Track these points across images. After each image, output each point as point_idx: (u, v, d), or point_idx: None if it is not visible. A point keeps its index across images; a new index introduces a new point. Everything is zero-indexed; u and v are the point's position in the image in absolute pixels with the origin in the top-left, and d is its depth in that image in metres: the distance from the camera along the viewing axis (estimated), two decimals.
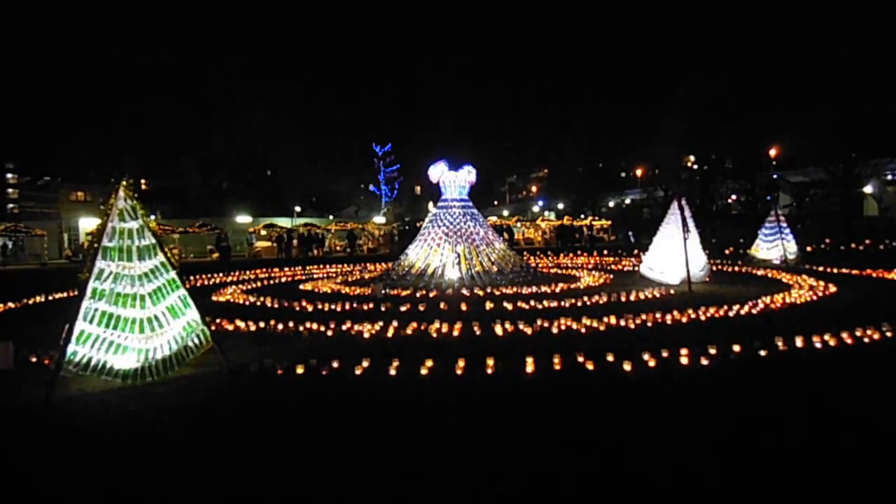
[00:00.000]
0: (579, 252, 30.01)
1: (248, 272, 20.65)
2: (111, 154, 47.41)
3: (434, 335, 7.81)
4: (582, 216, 50.95)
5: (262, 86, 55.20)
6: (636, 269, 14.93)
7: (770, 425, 4.30)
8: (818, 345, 6.47)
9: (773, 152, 44.73)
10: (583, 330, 7.91)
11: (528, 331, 7.84)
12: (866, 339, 6.70)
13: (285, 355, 6.55)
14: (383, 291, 13.04)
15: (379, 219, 50.03)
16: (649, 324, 8.18)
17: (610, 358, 5.99)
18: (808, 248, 22.21)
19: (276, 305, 11.24)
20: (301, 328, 8.38)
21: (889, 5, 37.32)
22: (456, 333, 7.83)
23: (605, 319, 8.18)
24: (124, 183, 6.02)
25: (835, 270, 15.21)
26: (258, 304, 11.70)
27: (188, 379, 5.92)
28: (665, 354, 6.01)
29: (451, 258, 14.52)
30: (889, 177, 50.09)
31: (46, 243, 36.08)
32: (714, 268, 15.92)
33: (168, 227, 35.94)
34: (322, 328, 8.33)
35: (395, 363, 5.94)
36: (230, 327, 8.67)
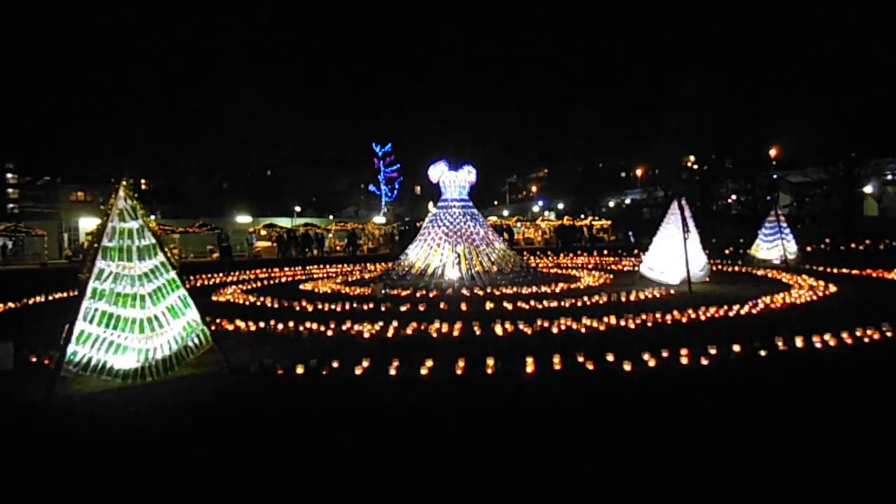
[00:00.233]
0: (579, 252, 30.01)
1: (248, 272, 20.66)
2: (111, 154, 47.40)
3: (434, 335, 7.81)
4: (582, 216, 50.94)
5: (263, 86, 55.26)
6: (636, 269, 14.93)
7: (770, 425, 4.30)
8: (818, 345, 6.47)
9: (773, 152, 44.73)
10: (583, 330, 7.91)
11: (528, 331, 7.84)
12: (866, 339, 6.70)
13: (285, 355, 6.55)
14: (383, 291, 13.04)
15: (379, 219, 50.05)
16: (649, 324, 8.18)
17: (610, 358, 5.98)
18: (808, 248, 22.21)
19: (276, 305, 11.24)
20: (301, 328, 8.38)
21: (889, 5, 37.29)
22: (456, 333, 7.83)
23: (605, 319, 8.18)
24: (124, 183, 6.03)
25: (835, 270, 15.21)
26: (258, 304, 11.70)
27: (188, 379, 5.92)
28: (665, 354, 6.01)
29: (451, 258, 14.52)
30: (889, 177, 50.09)
31: (46, 243, 36.07)
32: (714, 268, 15.93)
33: (168, 227, 35.96)
34: (322, 328, 8.33)
35: (395, 363, 5.94)
36: (230, 327, 8.67)
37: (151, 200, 50.89)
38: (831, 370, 5.78)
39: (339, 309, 10.60)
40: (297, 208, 52.68)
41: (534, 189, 79.41)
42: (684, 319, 8.44)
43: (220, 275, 18.97)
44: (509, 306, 10.26)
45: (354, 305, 10.93)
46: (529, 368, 5.79)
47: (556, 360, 5.87)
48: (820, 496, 3.24)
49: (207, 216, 42.43)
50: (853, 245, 24.51)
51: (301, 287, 15.28)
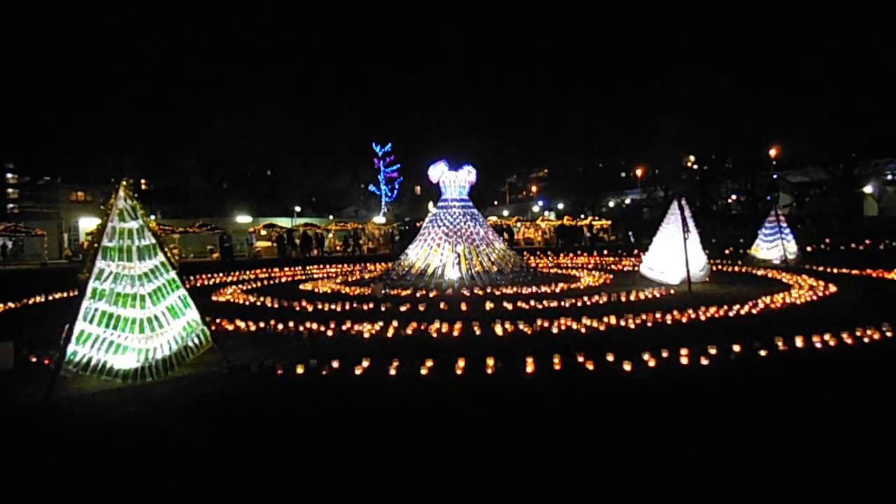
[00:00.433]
0: (580, 252, 30.02)
1: (248, 272, 20.66)
2: (111, 154, 47.39)
3: (434, 335, 7.81)
4: (582, 216, 50.95)
5: (263, 86, 55.22)
6: (636, 269, 14.93)
7: (770, 425, 4.30)
8: (818, 345, 6.47)
9: (773, 152, 44.72)
10: (583, 330, 7.92)
11: (528, 331, 7.84)
12: (866, 339, 6.70)
13: (285, 355, 6.55)
14: (383, 291, 13.04)
15: (379, 219, 50.05)
16: (649, 324, 8.18)
17: (610, 358, 5.99)
18: (808, 248, 22.22)
19: (276, 305, 11.24)
20: (301, 328, 8.38)
21: (889, 5, 37.32)
22: (456, 333, 7.83)
23: (605, 319, 8.18)
24: (124, 183, 6.03)
25: (835, 270, 15.21)
26: (258, 304, 11.70)
27: (188, 379, 5.92)
28: (665, 354, 6.01)
29: (451, 258, 14.52)
30: (889, 177, 50.09)
31: (46, 243, 36.06)
32: (714, 268, 15.93)
33: (168, 227, 35.96)
34: (322, 328, 8.33)
35: (395, 363, 5.94)
36: (230, 327, 8.67)
37: (151, 200, 50.90)
38: (831, 370, 5.78)
39: (339, 309, 10.60)
40: (297, 208, 52.67)
41: (534, 189, 79.42)
42: (684, 319, 8.44)
43: (220, 275, 18.97)
44: (509, 306, 10.26)
45: (354, 305, 10.93)
46: (529, 368, 5.79)
47: (556, 360, 5.87)
48: (820, 496, 3.24)
49: (207, 216, 42.43)
50: (853, 245, 24.51)
51: (301, 287, 15.28)
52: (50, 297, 13.35)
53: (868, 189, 45.52)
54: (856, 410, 4.58)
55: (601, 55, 78.03)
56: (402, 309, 10.24)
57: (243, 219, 42.68)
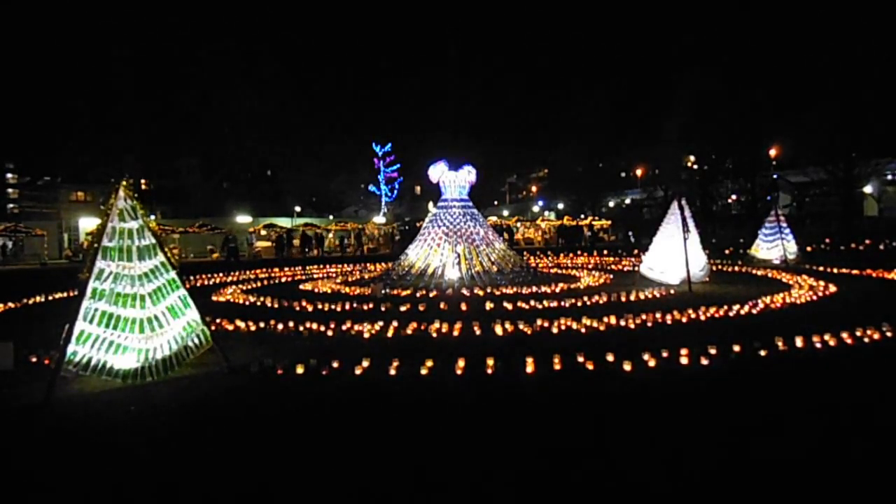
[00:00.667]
0: (580, 252, 30.03)
1: (248, 272, 20.66)
2: (111, 154, 47.37)
3: (434, 335, 7.81)
4: (582, 216, 50.96)
5: (263, 86, 55.18)
6: (636, 269, 14.93)
7: (770, 426, 4.30)
8: (818, 345, 6.47)
9: (773, 152, 44.73)
10: (583, 330, 7.92)
11: (528, 331, 7.84)
12: (866, 339, 6.70)
13: (285, 355, 6.55)
14: (383, 291, 13.04)
15: (379, 219, 50.04)
16: (649, 324, 8.18)
17: (610, 358, 5.99)
18: (808, 248, 22.22)
19: (276, 305, 11.24)
20: (301, 328, 8.38)
21: (889, 5, 37.30)
22: (456, 333, 7.83)
23: (605, 319, 8.18)
24: (124, 183, 6.03)
25: (835, 270, 15.21)
26: (258, 304, 11.70)
27: (188, 379, 5.93)
28: (665, 354, 6.01)
29: (451, 258, 14.52)
30: (889, 177, 50.09)
31: (46, 243, 36.07)
32: (714, 268, 15.93)
33: (168, 227, 35.96)
34: (322, 328, 8.33)
35: (395, 363, 5.94)
36: (230, 327, 8.67)
37: (151, 200, 50.87)
38: (831, 370, 5.78)
39: (339, 309, 10.60)
40: (297, 208, 52.64)
41: (534, 189, 79.41)
42: (684, 319, 8.45)
43: (220, 275, 18.98)
44: (509, 306, 10.26)
45: (354, 305, 10.94)
46: (529, 368, 5.79)
47: (556, 360, 5.87)
48: (820, 497, 3.24)
49: (207, 216, 42.43)
50: (853, 245, 24.51)
51: (301, 287, 15.28)
52: (50, 297, 13.35)
53: (868, 189, 45.50)
54: (856, 410, 4.58)
55: (601, 55, 77.99)
56: (402, 309, 10.24)
57: (243, 219, 42.68)
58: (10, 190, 69.56)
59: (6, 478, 3.78)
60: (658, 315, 8.45)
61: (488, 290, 12.63)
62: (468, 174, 15.88)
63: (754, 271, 16.27)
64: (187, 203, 54.02)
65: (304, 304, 11.06)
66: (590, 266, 20.23)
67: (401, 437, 4.28)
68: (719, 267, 17.40)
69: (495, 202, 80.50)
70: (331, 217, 55.13)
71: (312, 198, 64.63)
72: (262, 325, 8.62)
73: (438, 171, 15.75)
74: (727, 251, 23.44)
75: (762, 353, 6.18)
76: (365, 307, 10.76)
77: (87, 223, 37.26)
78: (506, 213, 62.88)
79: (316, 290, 14.23)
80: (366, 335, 7.94)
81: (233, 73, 52.79)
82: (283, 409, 5.05)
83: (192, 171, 54.95)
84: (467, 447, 4.04)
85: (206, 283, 17.06)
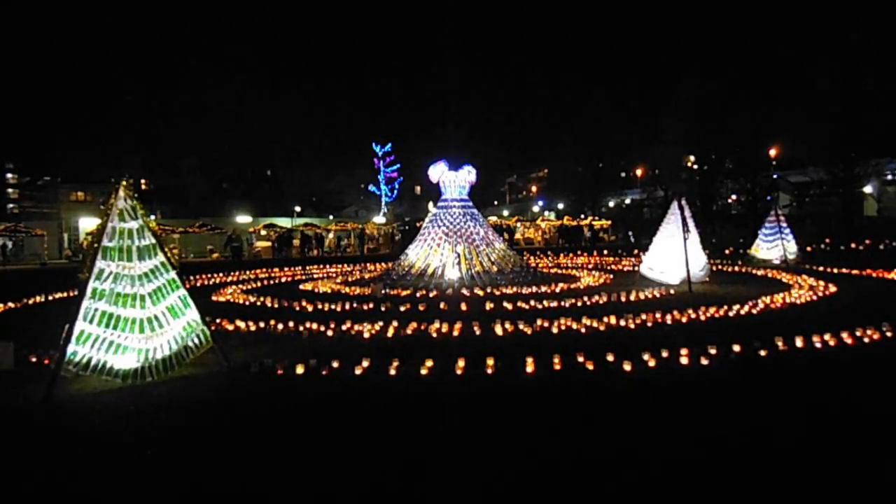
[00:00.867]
0: (579, 252, 30.02)
1: (248, 272, 20.67)
2: (111, 154, 47.37)
3: (434, 335, 7.81)
4: (582, 216, 50.94)
5: (263, 86, 55.25)
6: (636, 269, 14.93)
7: (770, 426, 4.30)
8: (818, 345, 6.47)
9: (773, 152, 44.72)
10: (583, 330, 7.92)
11: (528, 331, 7.84)
12: (866, 339, 6.70)
13: (285, 355, 6.55)
14: (383, 291, 13.04)
15: (379, 219, 50.04)
16: (649, 324, 8.18)
17: (610, 358, 5.99)
18: (808, 248, 22.22)
19: (276, 305, 11.24)
20: (301, 328, 8.38)
21: (889, 5, 37.29)
22: (456, 333, 7.83)
23: (605, 319, 8.18)
24: (124, 183, 6.03)
25: (835, 270, 15.21)
26: (258, 304, 11.70)
27: (188, 379, 5.93)
28: (665, 354, 6.01)
29: (451, 258, 14.52)
30: (889, 177, 50.08)
31: (46, 243, 36.05)
32: (714, 268, 15.93)
33: (168, 227, 35.93)
34: (322, 328, 8.33)
35: (395, 363, 5.94)
36: (230, 327, 8.67)
37: (151, 200, 50.86)
38: (831, 370, 5.78)
39: (339, 309, 10.60)
40: (297, 208, 52.65)
41: (534, 189, 79.43)
42: (684, 319, 8.45)
43: (220, 275, 18.98)
44: (509, 306, 10.26)
45: (354, 305, 10.94)
46: (529, 368, 5.79)
47: (556, 360, 5.87)
48: (820, 497, 3.24)
49: (207, 216, 42.41)
50: (853, 245, 24.51)
51: (301, 287, 15.28)
52: (50, 297, 13.35)
53: (868, 189, 45.49)
54: (856, 410, 4.58)
55: (602, 55, 78.05)
56: (402, 309, 10.24)
57: (243, 219, 42.66)
58: (10, 190, 69.55)
59: (6, 478, 3.78)
60: (658, 315, 8.45)
61: (488, 290, 12.63)
62: (468, 174, 15.88)
63: (754, 271, 16.27)
64: (187, 203, 53.99)
65: (304, 304, 11.07)
66: (590, 266, 20.23)
67: (401, 437, 4.27)
68: (719, 267, 17.39)
69: (495, 202, 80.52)
70: (331, 217, 55.11)
71: (312, 198, 64.62)
72: (262, 325, 8.62)
73: (438, 171, 15.75)
74: (727, 251, 23.43)
75: (762, 353, 6.18)
76: (365, 307, 10.76)
77: (87, 223, 37.24)
78: (506, 213, 62.87)
79: (316, 290, 14.23)
80: (366, 335, 7.94)
81: (233, 73, 52.82)
82: (283, 409, 5.05)
83: (192, 171, 54.89)
84: (467, 447, 4.04)
85: (206, 283, 17.07)
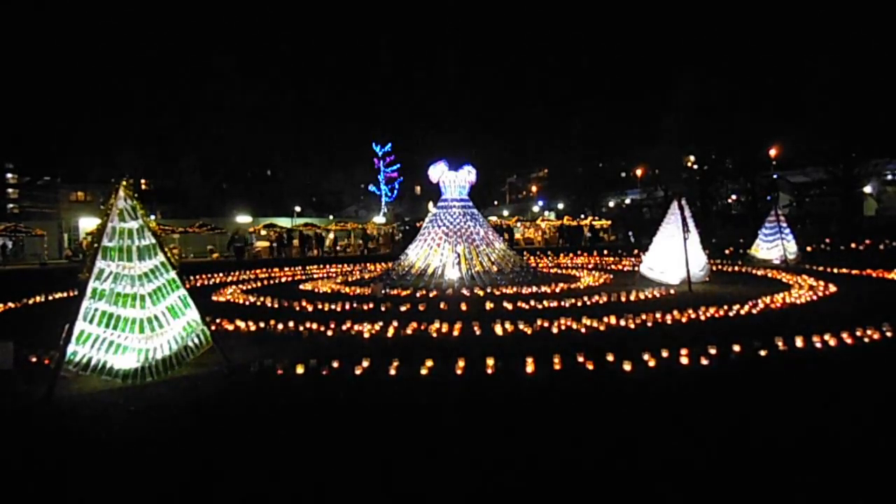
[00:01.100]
0: (579, 252, 30.02)
1: (248, 272, 20.67)
2: (111, 154, 47.41)
3: (434, 335, 7.81)
4: (582, 216, 50.94)
5: (263, 85, 55.24)
6: (636, 269, 14.93)
7: (770, 425, 4.30)
8: (818, 345, 6.47)
9: (773, 152, 44.72)
10: (583, 330, 7.92)
11: (528, 331, 7.84)
12: (866, 339, 6.70)
13: (285, 355, 6.55)
14: (383, 291, 13.04)
15: (379, 219, 50.03)
16: (649, 324, 8.18)
17: (610, 358, 5.99)
18: (808, 248, 22.22)
19: (276, 305, 11.24)
20: (301, 328, 8.38)
21: (889, 5, 37.31)
22: (456, 333, 7.83)
23: (605, 319, 8.18)
24: (124, 183, 6.03)
25: (835, 270, 15.21)
26: (258, 304, 11.70)
27: (188, 379, 5.93)
28: (665, 354, 6.01)
29: (451, 258, 14.52)
30: (889, 177, 50.09)
31: (46, 243, 36.04)
32: (714, 268, 15.93)
33: (168, 227, 35.93)
34: (322, 328, 8.33)
35: (395, 363, 5.94)
36: (230, 327, 8.67)
37: (151, 200, 50.87)
38: (831, 370, 5.78)
39: (339, 309, 10.60)
40: (297, 208, 52.65)
41: (534, 189, 79.36)
42: (684, 319, 8.45)
43: (220, 275, 18.98)
44: (509, 306, 10.26)
45: (354, 305, 10.93)
46: (529, 368, 5.79)
47: (556, 360, 5.87)
48: (820, 497, 3.24)
49: (207, 216, 42.41)
50: (853, 245, 24.51)
51: (301, 287, 15.28)
52: (50, 297, 13.35)
53: (868, 189, 45.49)
54: (856, 410, 4.58)
55: (602, 55, 78.05)
56: (402, 309, 10.24)
57: (243, 219, 42.65)
58: (10, 190, 69.57)
59: (6, 477, 3.78)
60: (658, 315, 8.45)
61: (488, 290, 12.63)
62: (468, 174, 15.88)
63: (754, 271, 16.27)
64: (187, 203, 54.00)
65: (304, 304, 11.06)
66: (590, 266, 20.23)
67: (401, 437, 4.27)
68: (719, 267, 17.39)
69: (495, 202, 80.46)
70: (331, 217, 55.10)
71: (312, 198, 64.64)
72: (262, 325, 8.62)
73: (438, 171, 15.74)
74: (727, 251, 23.44)
75: (762, 353, 6.18)
76: (365, 307, 10.76)
77: (87, 223, 37.22)
78: (506, 213, 62.83)
79: (316, 290, 14.23)
80: (366, 335, 7.94)
81: (233, 72, 52.83)
82: (283, 409, 5.05)
83: (192, 171, 54.89)
84: (467, 447, 4.03)
85: (206, 283, 17.07)
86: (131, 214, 6.04)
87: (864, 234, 27.08)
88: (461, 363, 5.92)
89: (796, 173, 48.48)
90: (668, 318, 8.46)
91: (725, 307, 9.09)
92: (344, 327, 8.31)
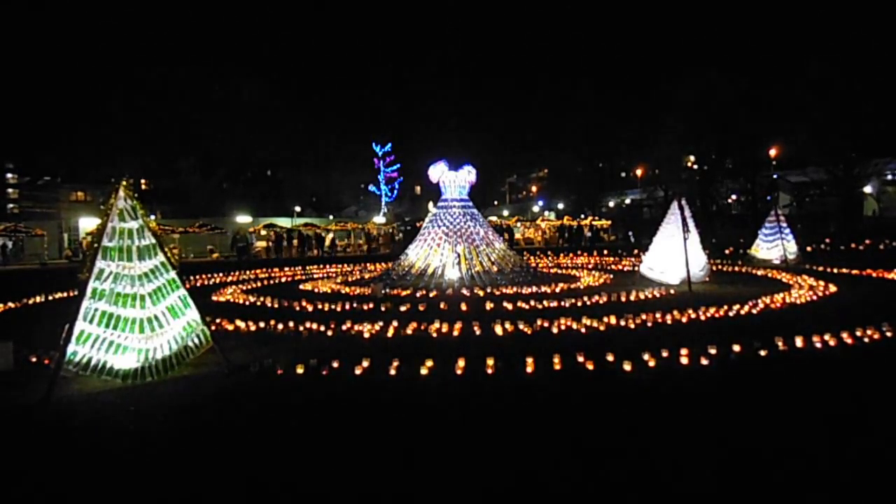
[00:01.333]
0: (579, 252, 30.02)
1: (248, 272, 20.66)
2: (111, 154, 47.36)
3: (434, 335, 7.81)
4: (582, 216, 50.93)
5: (263, 85, 55.19)
6: (636, 269, 14.93)
7: (769, 425, 4.30)
8: (818, 345, 6.47)
9: (773, 152, 44.70)
10: (583, 330, 7.92)
11: (528, 331, 7.85)
12: (866, 339, 6.70)
13: (285, 355, 6.55)
14: (383, 291, 13.04)
15: (379, 219, 50.02)
16: (649, 324, 8.18)
17: (610, 358, 5.99)
18: (808, 248, 22.22)
19: (276, 305, 11.24)
20: (301, 328, 8.38)
21: (889, 5, 37.33)
22: (456, 333, 7.83)
23: (605, 319, 8.18)
24: (124, 183, 6.03)
25: (835, 270, 15.21)
26: (258, 304, 11.70)
27: (188, 379, 5.93)
28: (665, 354, 6.01)
29: (451, 258, 14.52)
30: (889, 177, 50.06)
31: (46, 243, 36.02)
32: (714, 268, 15.93)
33: (168, 227, 35.91)
34: (322, 328, 8.33)
35: (395, 363, 5.94)
36: (230, 327, 8.67)
37: (151, 200, 50.84)
38: (831, 370, 5.78)
39: (339, 309, 10.60)
40: (297, 208, 52.64)
41: (534, 189, 79.36)
42: (684, 319, 8.44)
43: (220, 275, 18.98)
44: (509, 306, 10.26)
45: (354, 305, 10.93)
46: (529, 368, 5.79)
47: (556, 360, 5.87)
48: (819, 497, 3.24)
49: (207, 216, 42.39)
50: (853, 245, 24.50)
51: (301, 287, 15.28)
52: (50, 297, 13.35)
53: (868, 189, 45.48)
54: (856, 410, 4.58)
55: (602, 55, 78.07)
56: (402, 309, 10.24)
57: (243, 219, 42.63)
58: (10, 190, 69.58)
59: (6, 477, 3.78)
60: (658, 315, 8.45)
61: (488, 290, 12.63)
62: (468, 174, 15.88)
63: (754, 271, 16.26)
64: (187, 203, 53.95)
65: (304, 304, 11.06)
66: (590, 266, 20.23)
67: (401, 437, 4.27)
68: (719, 267, 17.39)
69: (495, 202, 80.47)
70: (331, 217, 55.09)
71: (312, 198, 64.62)
72: (262, 325, 8.62)
73: (438, 171, 15.75)
74: (727, 251, 23.44)
75: (762, 353, 6.18)
76: (365, 307, 10.76)
77: (87, 223, 37.19)
78: (506, 213, 62.82)
79: (316, 290, 14.23)
80: (366, 335, 7.94)
81: (233, 73, 52.83)
82: (283, 409, 5.05)
83: (192, 171, 54.87)
84: (467, 447, 4.04)
85: (206, 283, 17.07)
86: (131, 214, 6.04)
87: (863, 234, 27.07)
88: (461, 363, 5.92)
89: (796, 173, 48.46)
90: (668, 318, 8.46)
91: (725, 307, 9.09)
92: (344, 327, 8.31)
